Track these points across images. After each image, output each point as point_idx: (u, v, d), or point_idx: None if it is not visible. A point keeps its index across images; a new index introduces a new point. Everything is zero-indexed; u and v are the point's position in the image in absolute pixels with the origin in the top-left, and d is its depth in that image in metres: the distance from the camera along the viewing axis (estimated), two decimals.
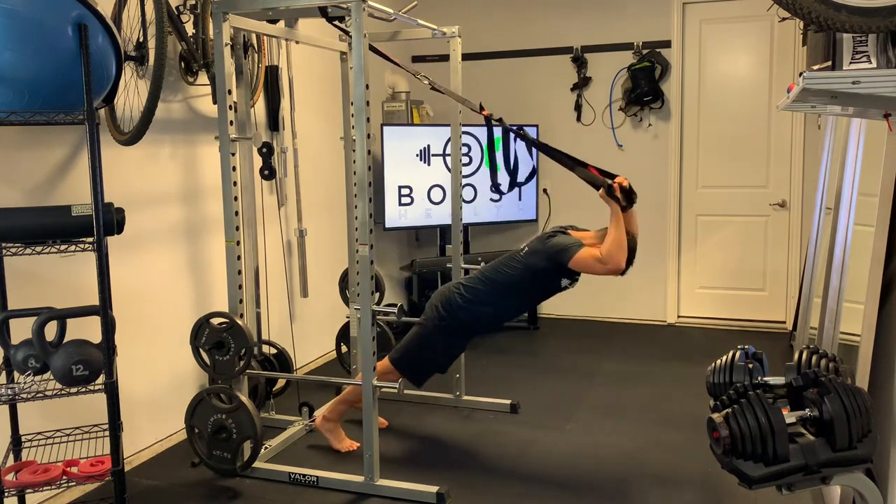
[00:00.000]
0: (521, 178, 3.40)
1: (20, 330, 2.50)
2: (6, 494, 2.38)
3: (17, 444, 2.65)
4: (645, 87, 5.38)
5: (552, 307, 5.86)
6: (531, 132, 4.61)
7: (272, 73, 4.07)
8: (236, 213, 3.16)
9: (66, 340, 2.45)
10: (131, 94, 3.18)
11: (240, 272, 3.21)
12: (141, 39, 3.08)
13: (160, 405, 3.50)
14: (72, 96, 2.32)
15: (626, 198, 3.04)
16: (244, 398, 3.08)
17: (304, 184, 4.40)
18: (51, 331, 2.43)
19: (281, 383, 4.01)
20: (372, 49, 3.34)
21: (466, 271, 3.87)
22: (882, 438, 2.13)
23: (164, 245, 3.50)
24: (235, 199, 3.15)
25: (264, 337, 3.90)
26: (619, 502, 2.94)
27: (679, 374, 4.46)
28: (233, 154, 3.12)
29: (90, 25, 2.29)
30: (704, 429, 1.94)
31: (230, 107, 3.10)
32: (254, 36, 3.80)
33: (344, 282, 4.22)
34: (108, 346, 2.42)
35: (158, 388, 3.50)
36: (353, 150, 2.95)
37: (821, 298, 3.39)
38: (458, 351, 3.51)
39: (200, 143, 3.71)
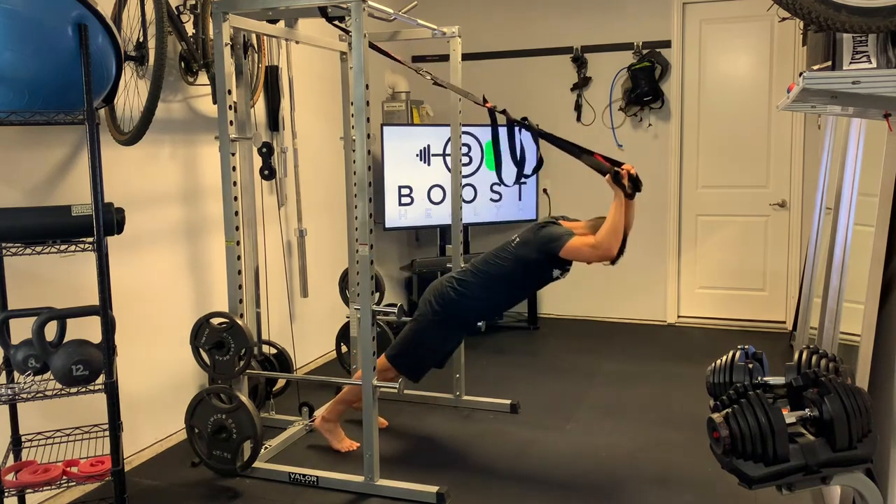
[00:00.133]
0: (527, 170, 3.37)
1: (20, 330, 2.50)
2: (6, 494, 2.38)
3: (17, 443, 2.65)
4: (645, 87, 5.38)
5: (552, 307, 5.87)
6: None
7: (272, 73, 4.07)
8: (236, 213, 3.16)
9: (66, 340, 2.45)
10: (131, 94, 3.18)
11: (240, 272, 3.22)
12: (141, 39, 3.09)
13: (160, 405, 3.50)
14: (72, 96, 2.32)
15: (632, 185, 3.05)
16: (244, 398, 3.08)
17: (304, 184, 4.40)
18: (51, 331, 2.43)
19: (281, 383, 4.01)
20: (372, 47, 3.33)
21: None
22: (882, 438, 2.13)
23: (164, 245, 3.50)
24: (235, 199, 3.15)
25: (264, 337, 3.90)
26: (619, 502, 2.94)
27: (679, 374, 4.46)
28: (233, 154, 3.13)
29: (90, 25, 2.29)
30: (704, 429, 1.93)
31: (230, 107, 3.10)
32: (254, 36, 3.80)
33: (344, 282, 4.22)
34: (108, 346, 2.42)
35: (158, 388, 3.50)
36: (353, 150, 2.95)
37: (821, 298, 3.39)
38: (453, 345, 3.50)
39: (200, 143, 3.71)
